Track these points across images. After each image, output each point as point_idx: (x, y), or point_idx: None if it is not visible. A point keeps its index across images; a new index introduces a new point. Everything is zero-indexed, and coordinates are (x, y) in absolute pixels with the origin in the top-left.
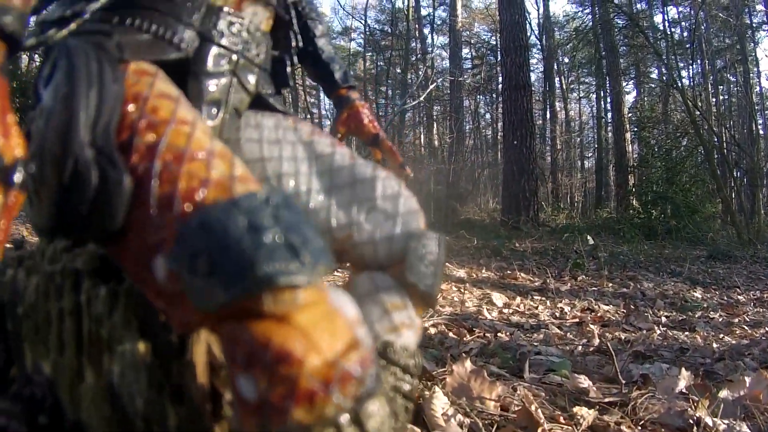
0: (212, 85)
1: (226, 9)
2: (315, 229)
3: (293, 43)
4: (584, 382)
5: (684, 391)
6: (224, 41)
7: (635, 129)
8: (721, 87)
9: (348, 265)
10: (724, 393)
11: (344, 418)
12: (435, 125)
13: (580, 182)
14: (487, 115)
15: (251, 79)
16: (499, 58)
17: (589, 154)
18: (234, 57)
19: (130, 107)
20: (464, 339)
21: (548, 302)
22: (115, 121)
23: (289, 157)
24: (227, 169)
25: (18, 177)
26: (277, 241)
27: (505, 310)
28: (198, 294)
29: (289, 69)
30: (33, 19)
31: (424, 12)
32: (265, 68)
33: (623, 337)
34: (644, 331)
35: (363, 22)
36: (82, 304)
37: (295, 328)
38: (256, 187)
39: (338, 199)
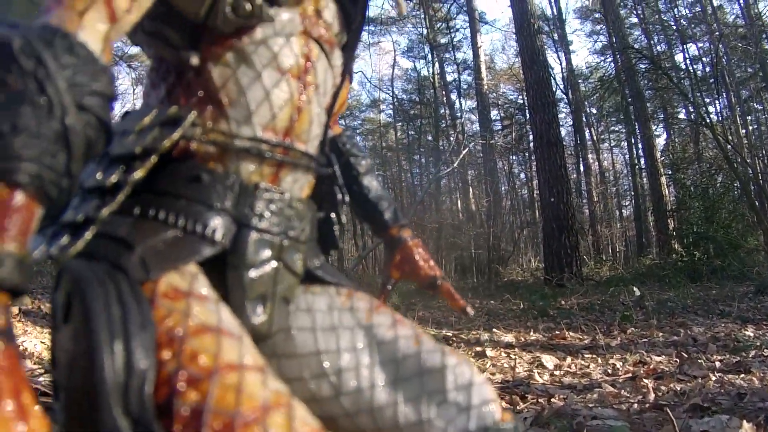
0: (256, 278)
1: (263, 186)
2: None
3: (339, 197)
4: None
5: None
6: (264, 224)
7: (669, 172)
8: (750, 117)
9: None
10: None
11: None
12: (470, 189)
13: (620, 232)
14: (522, 175)
15: (298, 260)
16: (527, 117)
17: (627, 203)
18: (277, 240)
19: (165, 355)
20: (517, 407)
21: (599, 359)
22: (150, 382)
23: (347, 348)
24: (286, 424)
25: None
26: None
27: (557, 372)
28: None
29: (336, 229)
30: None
31: (449, 78)
32: (311, 238)
33: (679, 389)
34: (699, 380)
35: (391, 93)
36: None
37: None
38: None
39: (405, 393)
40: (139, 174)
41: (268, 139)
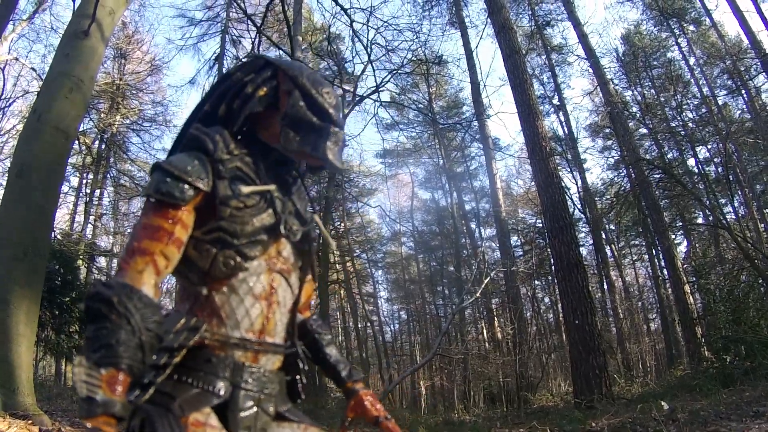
0: (244, 417)
1: (247, 364)
2: None
3: (300, 366)
4: None
5: None
6: (249, 386)
7: (693, 279)
8: (766, 211)
9: None
10: None
11: None
12: (495, 318)
13: (649, 346)
14: (546, 299)
15: (270, 407)
16: (547, 240)
17: (653, 315)
18: (257, 395)
19: None
20: None
21: None
22: None
23: None
24: None
25: None
26: None
27: None
28: None
29: (300, 386)
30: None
31: (468, 207)
32: (281, 392)
33: None
34: None
35: (411, 225)
36: None
37: None
38: None
39: None
40: (177, 359)
41: (249, 338)
